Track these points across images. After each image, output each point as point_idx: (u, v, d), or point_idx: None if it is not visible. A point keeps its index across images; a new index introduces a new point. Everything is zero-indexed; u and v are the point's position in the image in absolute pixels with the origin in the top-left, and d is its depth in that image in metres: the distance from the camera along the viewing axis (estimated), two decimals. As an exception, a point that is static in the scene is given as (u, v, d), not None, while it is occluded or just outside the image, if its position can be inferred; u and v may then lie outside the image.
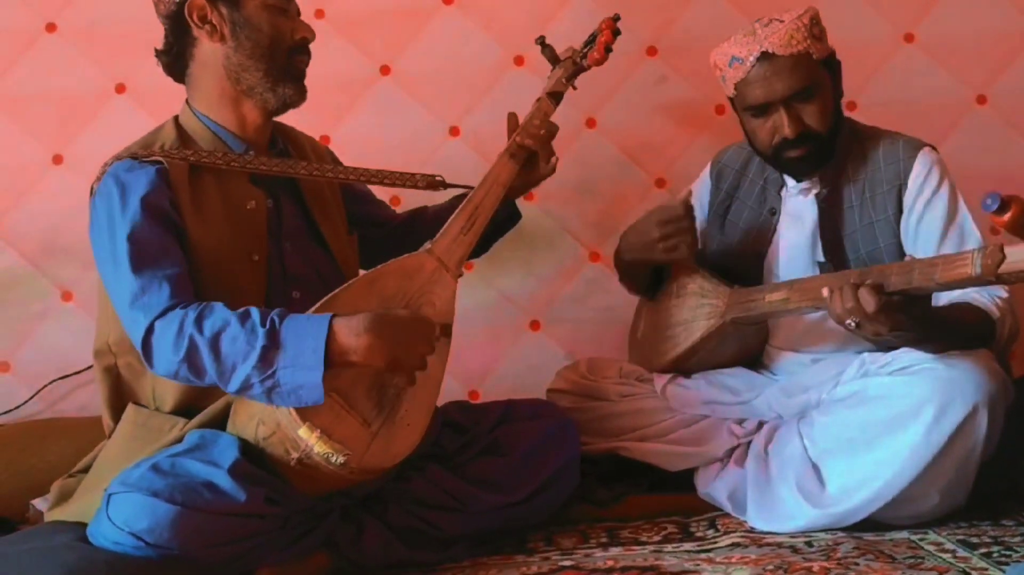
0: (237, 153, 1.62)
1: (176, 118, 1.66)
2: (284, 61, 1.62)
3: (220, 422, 1.50)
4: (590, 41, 2.03)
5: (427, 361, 1.50)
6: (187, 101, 1.67)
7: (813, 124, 1.79)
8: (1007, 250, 1.34)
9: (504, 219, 1.86)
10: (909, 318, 1.53)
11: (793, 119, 1.78)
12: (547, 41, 2.01)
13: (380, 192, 1.98)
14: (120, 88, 2.43)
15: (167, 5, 1.62)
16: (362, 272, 1.67)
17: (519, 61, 2.44)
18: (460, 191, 1.83)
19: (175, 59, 1.65)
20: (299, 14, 1.68)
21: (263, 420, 1.42)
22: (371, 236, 1.87)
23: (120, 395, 1.60)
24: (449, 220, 1.67)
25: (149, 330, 1.43)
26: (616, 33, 1.99)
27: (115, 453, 1.55)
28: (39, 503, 1.74)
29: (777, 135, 1.80)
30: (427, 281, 1.59)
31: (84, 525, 1.41)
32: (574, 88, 2.00)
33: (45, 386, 2.35)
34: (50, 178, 2.43)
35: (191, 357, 1.40)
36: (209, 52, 1.62)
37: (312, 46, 1.70)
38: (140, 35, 2.42)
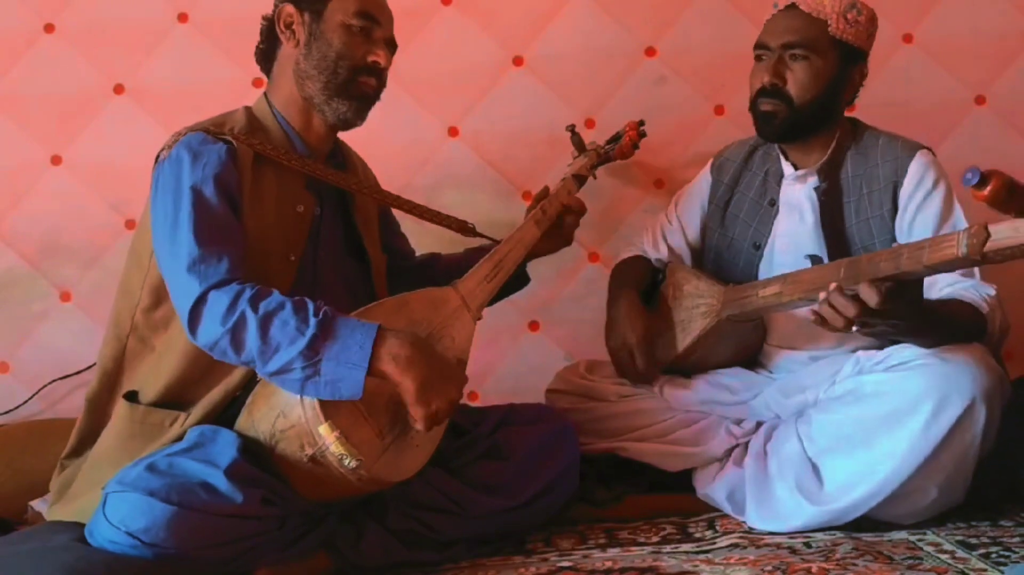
0: (300, 155, 1.66)
1: (248, 108, 1.71)
2: (346, 78, 1.66)
3: (220, 414, 1.51)
4: (615, 139, 2.21)
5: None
6: (265, 94, 1.73)
7: (791, 86, 1.81)
8: (991, 228, 1.34)
9: (516, 277, 1.90)
10: (903, 303, 1.53)
11: (776, 70, 1.81)
12: (576, 128, 2.20)
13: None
14: (119, 88, 2.43)
15: (272, 9, 1.71)
16: None
17: (519, 61, 2.44)
18: (476, 245, 1.92)
19: (263, 56, 1.73)
20: (387, 42, 1.71)
21: (284, 412, 1.44)
22: (390, 265, 1.91)
23: (118, 365, 1.62)
24: (475, 267, 1.74)
25: (201, 298, 1.45)
26: (642, 135, 2.20)
27: (113, 451, 1.54)
28: (38, 504, 1.74)
29: (758, 80, 1.84)
30: (450, 315, 1.64)
31: (83, 525, 1.42)
32: (594, 178, 2.16)
33: (45, 386, 2.36)
34: (49, 178, 2.43)
35: (237, 331, 1.42)
36: (287, 55, 1.69)
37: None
38: (139, 36, 2.46)
